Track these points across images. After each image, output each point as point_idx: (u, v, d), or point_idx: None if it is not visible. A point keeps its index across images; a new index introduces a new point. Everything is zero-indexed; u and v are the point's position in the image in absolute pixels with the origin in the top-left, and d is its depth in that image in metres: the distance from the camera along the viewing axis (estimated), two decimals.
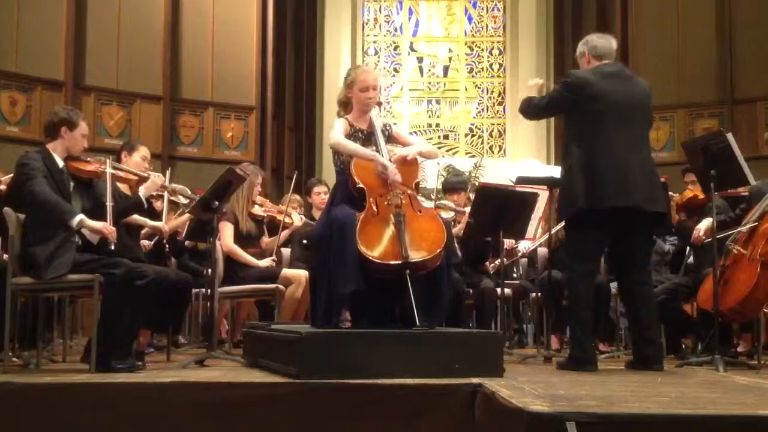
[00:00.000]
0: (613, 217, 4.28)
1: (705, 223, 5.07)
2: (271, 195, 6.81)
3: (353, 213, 4.04)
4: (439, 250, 3.98)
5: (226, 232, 5.73)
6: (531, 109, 4.62)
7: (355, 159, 4.17)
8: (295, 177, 6.58)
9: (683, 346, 5.79)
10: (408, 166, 4.25)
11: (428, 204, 4.42)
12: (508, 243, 5.96)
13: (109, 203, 4.35)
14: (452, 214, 6.02)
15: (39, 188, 4.13)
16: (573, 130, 4.46)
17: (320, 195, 6.70)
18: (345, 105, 4.41)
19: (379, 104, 4.42)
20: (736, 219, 5.02)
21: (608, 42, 4.54)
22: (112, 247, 4.22)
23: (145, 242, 5.73)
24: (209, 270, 5.11)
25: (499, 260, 5.69)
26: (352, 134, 4.28)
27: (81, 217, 4.14)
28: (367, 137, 4.31)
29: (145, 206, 4.68)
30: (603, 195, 4.23)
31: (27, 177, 4.15)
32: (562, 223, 5.46)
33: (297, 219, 6.32)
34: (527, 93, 4.69)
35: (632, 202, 4.23)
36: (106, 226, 4.22)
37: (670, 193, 5.68)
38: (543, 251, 6.22)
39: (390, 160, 4.19)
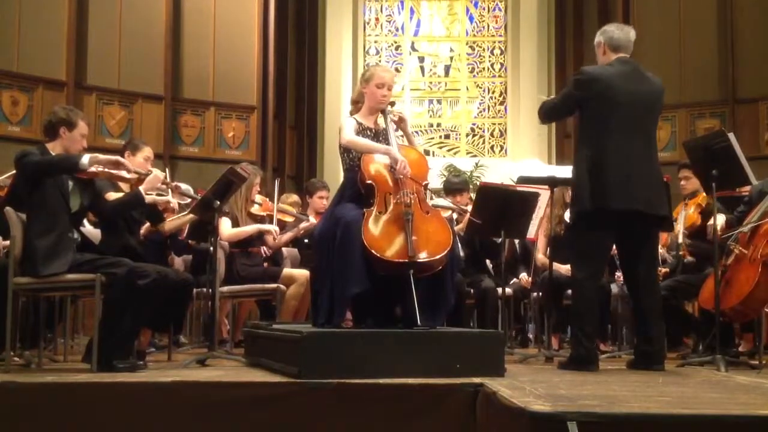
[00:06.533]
0: (617, 219, 4.27)
1: (720, 220, 5.03)
2: (271, 194, 6.79)
3: (359, 212, 4.03)
4: (445, 252, 3.97)
5: (223, 225, 5.72)
6: (545, 111, 4.61)
7: (364, 155, 4.16)
8: (278, 182, 6.45)
9: (684, 345, 5.79)
10: (418, 166, 4.25)
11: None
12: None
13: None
14: (449, 213, 6.01)
15: (37, 157, 4.15)
16: (583, 128, 4.44)
17: (323, 200, 6.67)
18: (356, 104, 4.42)
19: (392, 104, 4.43)
20: (740, 217, 5.02)
21: (626, 34, 4.49)
22: (129, 176, 4.33)
23: None
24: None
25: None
26: (360, 132, 4.29)
27: (90, 155, 4.14)
28: (375, 136, 4.32)
29: (145, 201, 4.64)
30: (607, 197, 4.21)
31: (26, 160, 4.14)
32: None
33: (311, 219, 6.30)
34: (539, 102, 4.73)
35: (635, 205, 4.22)
36: (118, 158, 4.26)
37: (677, 220, 5.68)
38: None
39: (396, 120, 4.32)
